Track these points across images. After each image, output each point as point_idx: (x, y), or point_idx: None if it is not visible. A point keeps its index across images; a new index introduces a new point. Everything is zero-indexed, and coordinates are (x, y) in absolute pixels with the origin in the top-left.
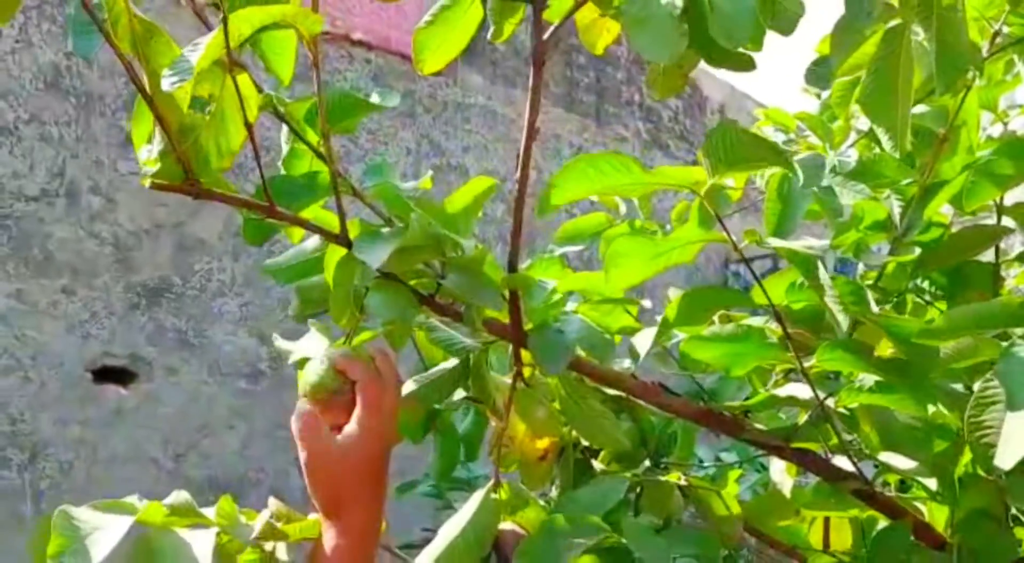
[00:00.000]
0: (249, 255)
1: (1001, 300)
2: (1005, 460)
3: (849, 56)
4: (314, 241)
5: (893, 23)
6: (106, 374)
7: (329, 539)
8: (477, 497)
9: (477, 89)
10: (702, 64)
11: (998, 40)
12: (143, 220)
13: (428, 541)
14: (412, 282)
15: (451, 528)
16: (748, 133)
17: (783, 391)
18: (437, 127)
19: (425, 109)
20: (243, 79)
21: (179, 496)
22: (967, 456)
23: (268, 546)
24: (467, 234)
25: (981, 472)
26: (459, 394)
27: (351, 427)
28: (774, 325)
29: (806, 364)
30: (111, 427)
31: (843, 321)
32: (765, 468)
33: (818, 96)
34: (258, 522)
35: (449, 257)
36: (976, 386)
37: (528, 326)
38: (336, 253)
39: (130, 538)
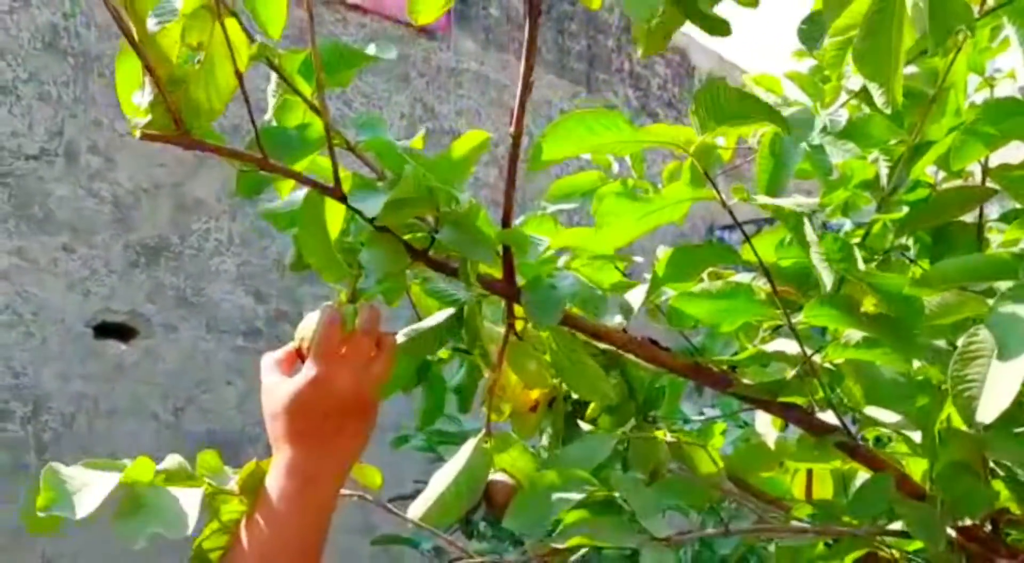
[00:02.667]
0: (246, 215)
1: (988, 254)
2: (987, 413)
3: (843, 11)
4: None
5: None
6: (106, 330)
7: (273, 476)
8: (468, 446)
9: (470, 54)
10: (692, 34)
11: (988, 2)
12: (142, 179)
13: (420, 492)
14: (406, 237)
15: (443, 477)
16: (737, 90)
17: (771, 347)
18: (431, 91)
19: (419, 73)
20: (233, 26)
21: (172, 460)
22: (947, 410)
23: None
24: (461, 188)
25: (961, 426)
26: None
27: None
28: (762, 282)
29: (793, 320)
30: (112, 382)
31: (828, 277)
32: (748, 424)
33: (809, 54)
34: (241, 474)
35: (443, 211)
36: (960, 341)
37: (521, 282)
38: (331, 207)
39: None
